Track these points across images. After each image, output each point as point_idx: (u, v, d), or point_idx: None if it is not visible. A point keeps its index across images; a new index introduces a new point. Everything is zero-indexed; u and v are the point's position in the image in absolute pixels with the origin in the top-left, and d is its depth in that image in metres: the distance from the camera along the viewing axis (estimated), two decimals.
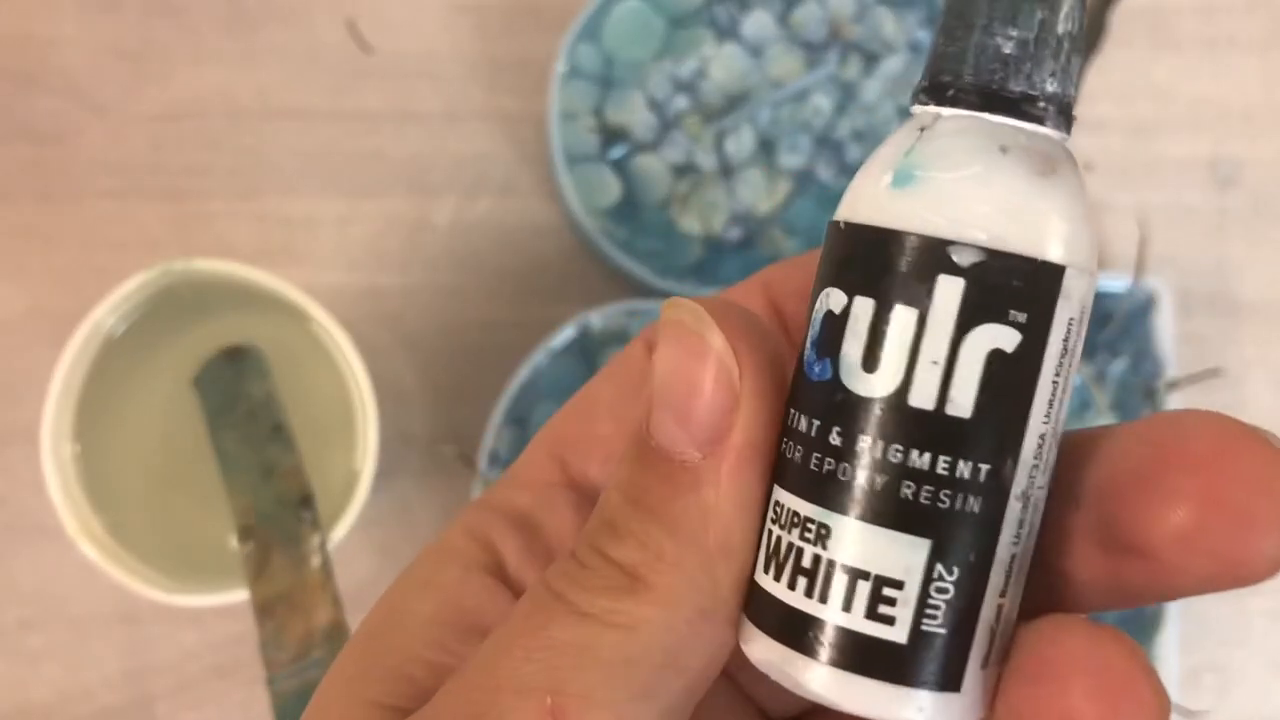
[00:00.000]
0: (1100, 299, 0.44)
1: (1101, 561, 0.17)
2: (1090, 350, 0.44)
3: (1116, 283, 0.44)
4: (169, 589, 0.37)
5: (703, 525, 0.17)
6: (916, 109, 0.18)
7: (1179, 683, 0.42)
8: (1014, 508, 0.17)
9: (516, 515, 0.21)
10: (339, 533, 0.37)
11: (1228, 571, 0.16)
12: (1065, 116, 0.17)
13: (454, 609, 0.20)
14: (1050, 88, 0.17)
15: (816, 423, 0.17)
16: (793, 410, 0.17)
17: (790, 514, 0.17)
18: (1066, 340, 0.17)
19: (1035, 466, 0.17)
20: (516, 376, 0.41)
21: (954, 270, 0.16)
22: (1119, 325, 0.44)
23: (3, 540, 0.43)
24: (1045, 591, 0.18)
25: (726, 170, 0.44)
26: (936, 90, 0.17)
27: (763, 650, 0.17)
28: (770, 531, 0.17)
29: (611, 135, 0.44)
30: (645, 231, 0.44)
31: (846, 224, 0.17)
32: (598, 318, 0.42)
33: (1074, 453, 0.17)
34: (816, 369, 0.17)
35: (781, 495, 0.17)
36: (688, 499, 0.17)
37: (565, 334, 0.42)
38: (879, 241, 0.17)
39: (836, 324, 0.17)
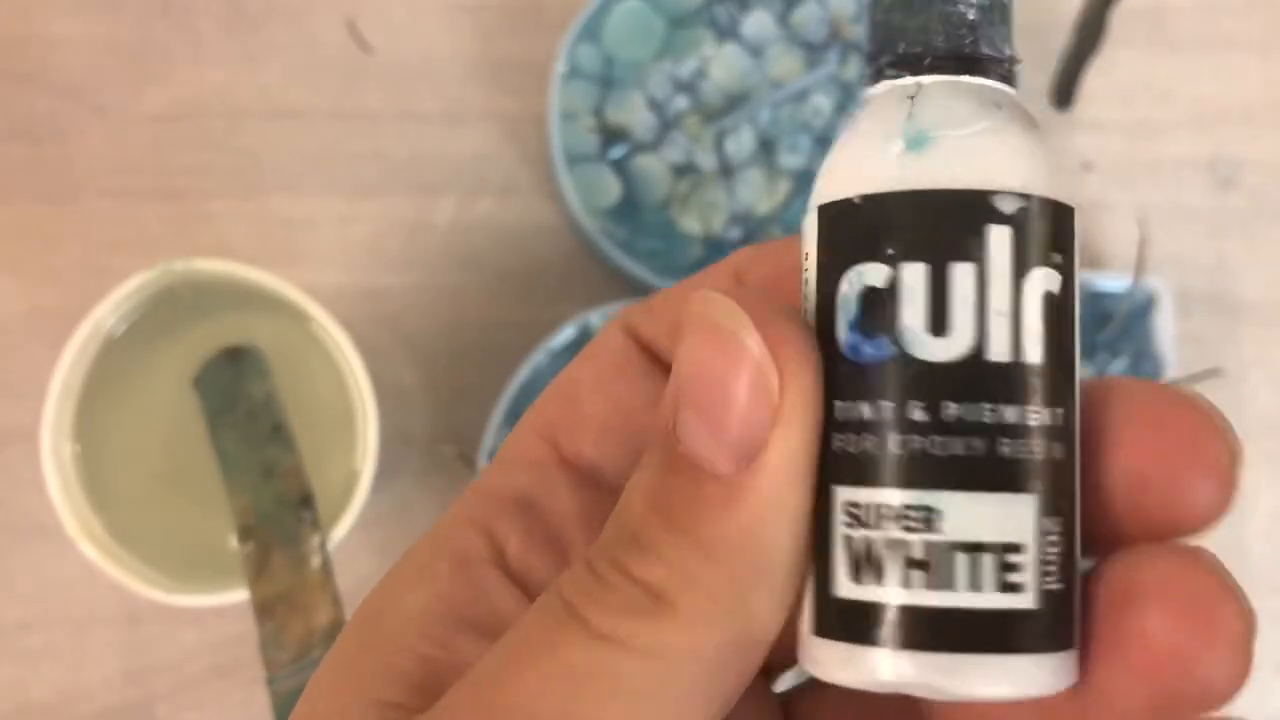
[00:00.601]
0: (1100, 299, 0.44)
1: None
2: (1090, 350, 0.44)
3: (1116, 283, 0.44)
4: (169, 589, 0.37)
5: (738, 546, 0.16)
6: (892, 83, 0.18)
7: None
8: (1078, 447, 0.17)
9: (514, 498, 0.20)
10: (339, 533, 0.37)
11: (1164, 520, 0.17)
12: (1015, 77, 0.18)
13: (445, 600, 0.19)
14: (1008, 50, 0.18)
15: (888, 404, 0.16)
16: (840, 402, 0.17)
17: (880, 509, 0.16)
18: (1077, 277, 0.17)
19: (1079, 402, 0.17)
20: (516, 376, 0.41)
21: (1000, 219, 0.16)
22: (1119, 325, 0.44)
23: (3, 540, 0.43)
24: None
25: (726, 170, 0.44)
26: (911, 61, 0.18)
27: (894, 668, 0.16)
28: (850, 538, 0.16)
29: (611, 135, 0.44)
30: (645, 231, 0.44)
31: (863, 198, 0.17)
32: (598, 318, 0.42)
33: None
34: (868, 350, 0.16)
35: (857, 494, 0.16)
36: (721, 516, 0.16)
37: (565, 334, 0.42)
38: (913, 205, 0.16)
39: (884, 298, 0.16)
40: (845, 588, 0.16)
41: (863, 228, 0.17)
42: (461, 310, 0.45)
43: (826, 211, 0.17)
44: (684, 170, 0.44)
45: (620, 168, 0.44)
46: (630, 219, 0.44)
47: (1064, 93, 0.47)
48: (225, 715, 0.43)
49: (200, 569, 0.38)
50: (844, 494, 0.16)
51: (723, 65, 0.44)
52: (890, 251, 0.16)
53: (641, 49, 0.44)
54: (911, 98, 0.17)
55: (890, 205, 0.16)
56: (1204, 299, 0.46)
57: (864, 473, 0.16)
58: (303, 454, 0.36)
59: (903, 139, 0.17)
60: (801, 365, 0.16)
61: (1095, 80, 0.47)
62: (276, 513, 0.35)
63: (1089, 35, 0.47)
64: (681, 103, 0.44)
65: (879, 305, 0.16)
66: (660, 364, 0.21)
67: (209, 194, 0.45)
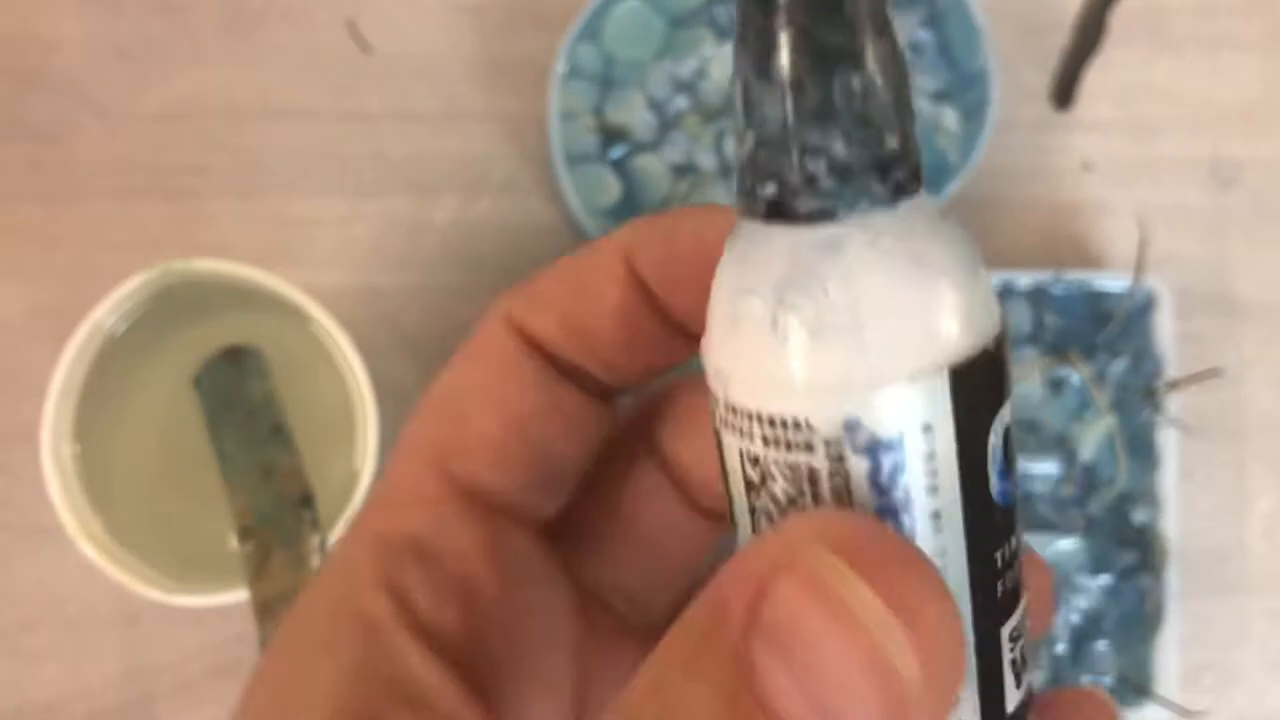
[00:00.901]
0: (1100, 299, 0.44)
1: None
2: (1090, 350, 0.44)
3: (1116, 283, 0.44)
4: (169, 589, 0.37)
5: None
6: (917, 201, 0.15)
7: (1179, 683, 0.42)
8: None
9: (412, 545, 0.18)
10: (339, 533, 0.37)
11: None
12: None
13: (358, 672, 0.17)
14: None
15: (1015, 540, 0.16)
16: (1000, 551, 0.16)
17: (1026, 617, 0.16)
18: None
19: None
20: None
21: None
22: (1119, 325, 0.44)
23: (3, 540, 0.43)
24: None
25: (726, 170, 0.44)
26: (917, 176, 0.15)
27: None
28: (1014, 659, 0.16)
29: (611, 135, 0.44)
30: None
31: (995, 341, 0.15)
32: None
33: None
34: (1011, 489, 0.16)
35: (1015, 619, 0.16)
36: None
37: None
38: (1005, 340, 0.16)
39: (1011, 435, 0.16)
40: (1012, 700, 0.16)
41: (998, 373, 0.15)
42: (461, 310, 0.45)
43: (966, 371, 0.14)
44: (684, 170, 0.44)
45: (620, 168, 0.44)
46: (630, 219, 0.44)
47: (1064, 93, 0.47)
48: (225, 715, 0.43)
49: (200, 569, 0.38)
50: (1009, 626, 0.16)
51: (723, 65, 0.44)
52: (1011, 389, 0.16)
53: (641, 49, 0.44)
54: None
55: (1005, 344, 0.15)
56: (1204, 299, 0.46)
57: (1018, 597, 0.16)
58: (303, 454, 0.36)
59: (978, 273, 0.15)
60: (950, 639, 0.12)
61: (1095, 80, 0.47)
62: (276, 513, 0.35)
63: (1089, 35, 0.47)
64: (681, 103, 0.44)
65: (1012, 443, 0.16)
66: (555, 363, 0.19)
67: (209, 194, 0.45)
